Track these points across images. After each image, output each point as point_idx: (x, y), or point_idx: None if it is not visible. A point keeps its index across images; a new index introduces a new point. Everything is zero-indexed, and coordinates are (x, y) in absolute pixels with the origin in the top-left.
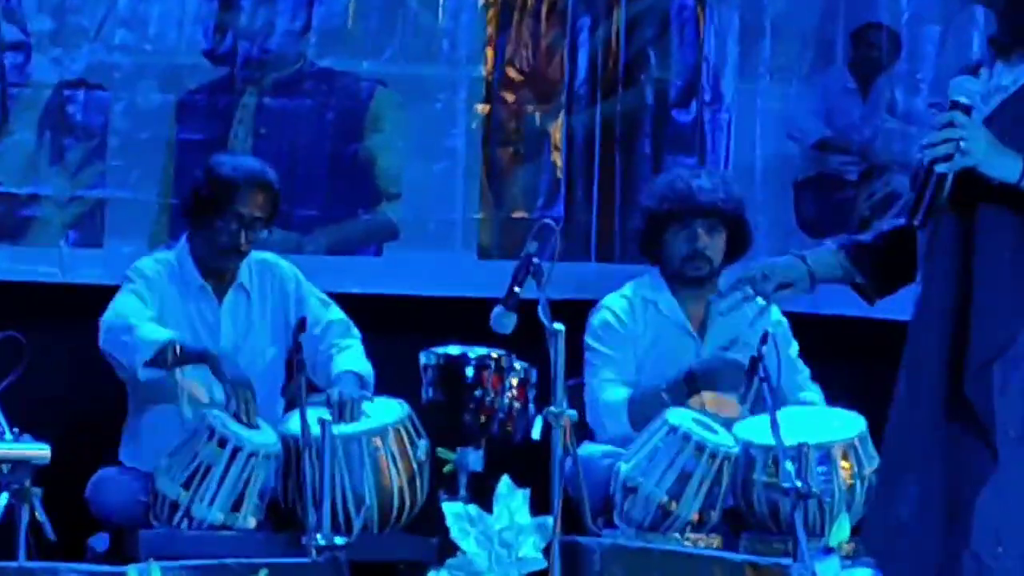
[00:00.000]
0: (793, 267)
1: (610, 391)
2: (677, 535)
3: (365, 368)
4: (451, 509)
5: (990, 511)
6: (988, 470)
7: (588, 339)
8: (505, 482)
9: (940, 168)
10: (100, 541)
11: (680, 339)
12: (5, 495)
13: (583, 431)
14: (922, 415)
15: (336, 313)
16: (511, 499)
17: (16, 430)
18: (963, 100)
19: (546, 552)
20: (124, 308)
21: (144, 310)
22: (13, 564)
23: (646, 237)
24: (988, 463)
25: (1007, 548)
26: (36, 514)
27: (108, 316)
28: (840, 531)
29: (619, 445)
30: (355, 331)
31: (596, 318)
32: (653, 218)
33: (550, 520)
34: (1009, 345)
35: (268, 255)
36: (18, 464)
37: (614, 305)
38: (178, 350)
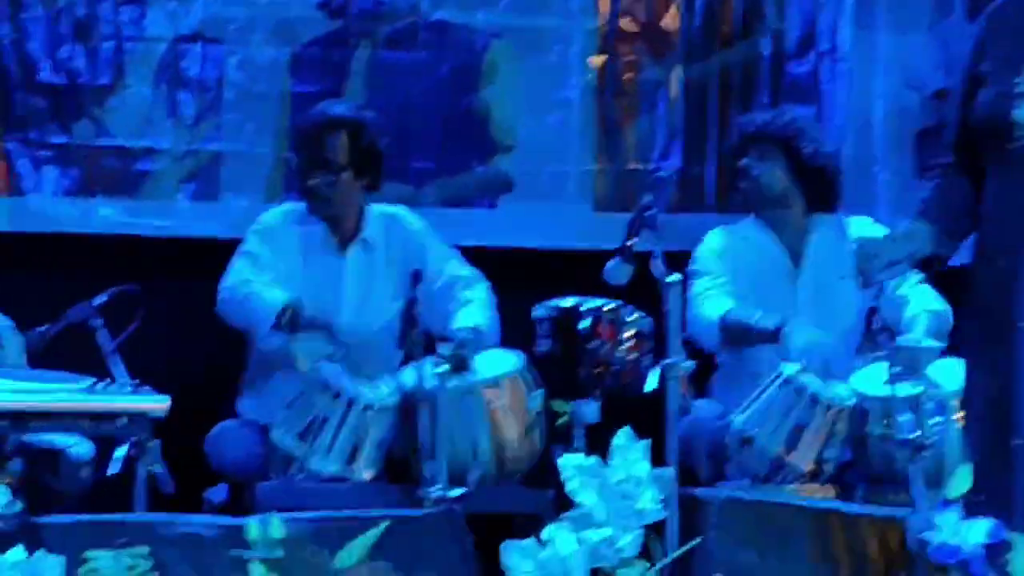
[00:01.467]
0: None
1: (707, 304)
2: (792, 486)
3: (484, 320)
4: (568, 461)
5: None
6: None
7: (691, 266)
8: (623, 433)
9: None
10: (218, 493)
11: (775, 271)
12: (124, 447)
13: (700, 382)
14: None
15: (462, 267)
16: (629, 450)
17: (136, 382)
18: None
19: (664, 504)
20: (240, 274)
21: (259, 273)
22: (132, 516)
23: (729, 182)
24: None
25: None
26: (154, 466)
27: (225, 284)
28: (960, 482)
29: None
30: (482, 283)
31: (698, 251)
32: (726, 160)
33: (669, 471)
34: None
35: (396, 208)
36: (136, 416)
37: (713, 237)
38: (291, 314)
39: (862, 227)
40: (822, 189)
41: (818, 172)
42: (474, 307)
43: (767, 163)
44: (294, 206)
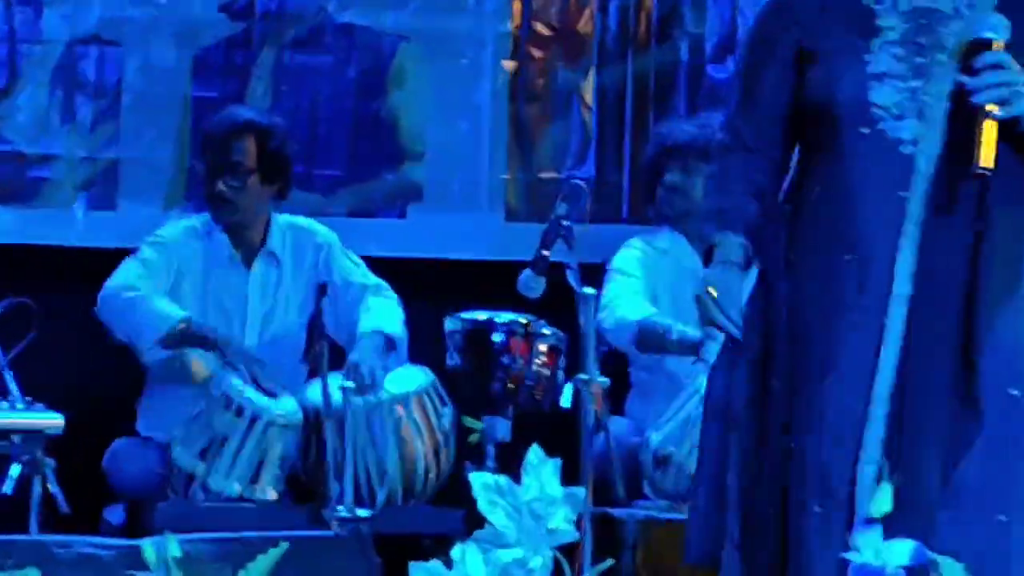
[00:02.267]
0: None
1: (625, 305)
2: None
3: (393, 327)
4: (478, 479)
5: None
6: None
7: (610, 268)
8: (535, 451)
9: (999, 113)
10: (115, 513)
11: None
12: (17, 466)
13: (614, 399)
14: None
15: (368, 277)
16: (541, 469)
17: (28, 399)
18: (996, 37)
19: (577, 524)
20: (128, 278)
21: (150, 280)
22: (26, 537)
23: (644, 195)
24: None
25: None
26: (49, 486)
27: (110, 285)
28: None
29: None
30: (390, 293)
31: (618, 254)
32: (643, 172)
33: (582, 491)
34: None
35: (301, 219)
36: (30, 434)
37: (634, 244)
38: (183, 329)
39: None
40: None
41: None
42: (381, 311)
43: (691, 177)
44: (194, 220)
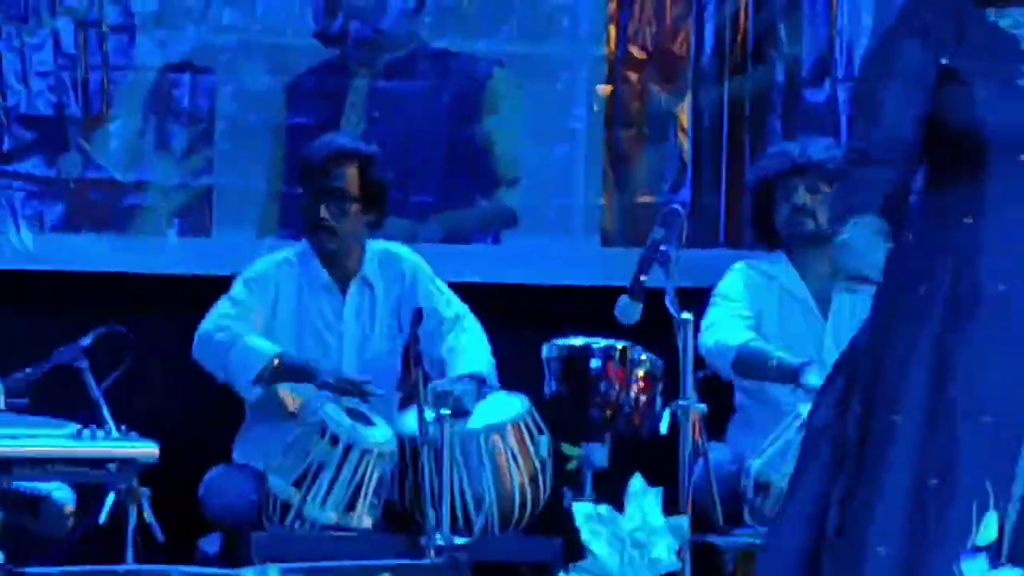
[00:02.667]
0: None
1: (726, 331)
2: None
3: (484, 365)
4: (581, 509)
5: None
6: None
7: (714, 292)
8: (637, 480)
9: None
10: (211, 543)
11: (804, 316)
12: (112, 495)
13: (712, 425)
14: None
15: (450, 307)
16: (644, 498)
17: (123, 428)
18: None
19: (677, 553)
20: (220, 320)
21: (242, 320)
22: (121, 567)
23: (757, 214)
24: None
25: None
26: (144, 515)
27: (203, 328)
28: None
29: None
30: (473, 323)
31: (724, 279)
32: (757, 191)
33: (685, 520)
34: None
35: (392, 245)
36: (125, 463)
37: (739, 269)
38: (276, 365)
39: None
40: None
41: None
42: (471, 351)
43: (819, 199)
44: (287, 252)
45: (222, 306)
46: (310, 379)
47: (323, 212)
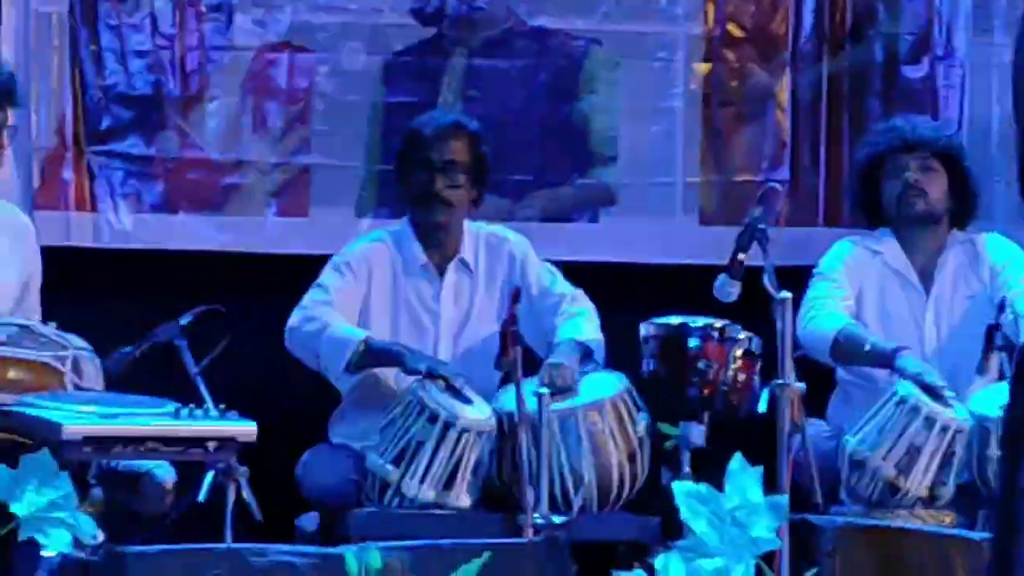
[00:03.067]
0: None
1: (824, 313)
2: (906, 512)
3: (590, 335)
4: (680, 488)
5: None
6: None
7: (816, 271)
8: (738, 459)
9: None
10: (309, 521)
11: (906, 293)
12: (211, 474)
13: (810, 403)
14: None
15: (565, 285)
16: (744, 477)
17: (221, 407)
18: None
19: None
20: (310, 309)
21: (331, 307)
22: (221, 546)
23: (863, 191)
24: None
25: None
26: (242, 494)
27: (293, 319)
28: None
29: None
30: (586, 302)
31: (825, 256)
32: (865, 167)
33: (785, 499)
34: None
35: (497, 227)
36: (223, 442)
37: (843, 247)
38: (364, 351)
39: (996, 245)
40: (970, 208)
41: (972, 191)
42: (579, 320)
43: (929, 175)
44: (382, 233)
45: (310, 295)
46: (396, 364)
47: (439, 184)
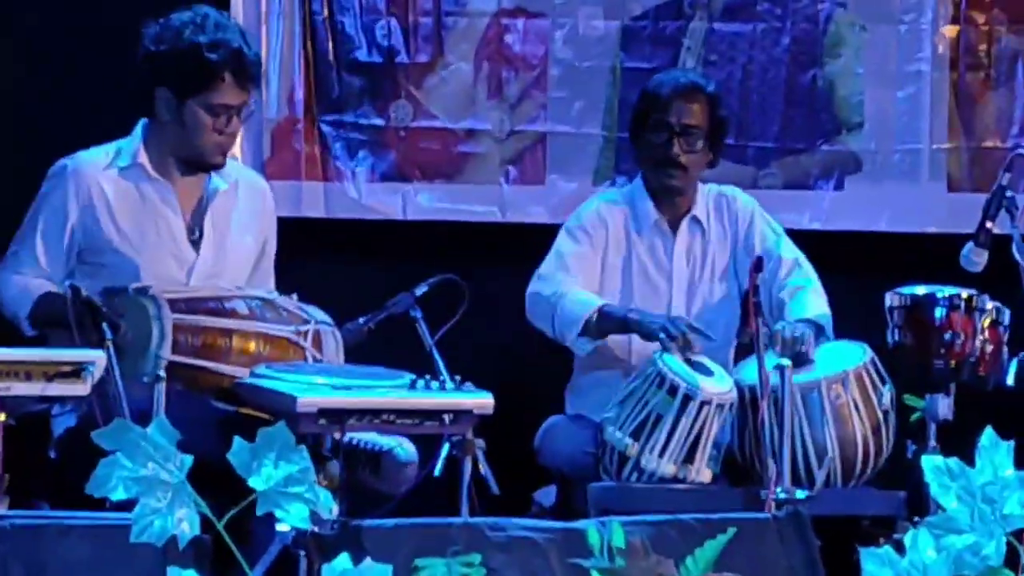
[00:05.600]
0: None
1: None
2: None
3: (819, 311)
4: (929, 462)
5: None
6: None
7: None
8: (989, 433)
9: None
10: (546, 495)
11: None
12: (446, 447)
13: None
14: None
15: (788, 249)
16: (995, 451)
17: (457, 378)
18: None
19: None
20: (545, 278)
21: (566, 273)
22: (458, 520)
23: None
24: None
25: None
26: (479, 467)
27: (531, 288)
28: None
29: None
30: (808, 270)
31: None
32: None
33: None
34: None
35: (726, 188)
36: (460, 414)
37: None
38: (599, 319)
39: None
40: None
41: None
42: (806, 296)
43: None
44: (613, 193)
45: (547, 262)
46: (631, 330)
47: (676, 148)
